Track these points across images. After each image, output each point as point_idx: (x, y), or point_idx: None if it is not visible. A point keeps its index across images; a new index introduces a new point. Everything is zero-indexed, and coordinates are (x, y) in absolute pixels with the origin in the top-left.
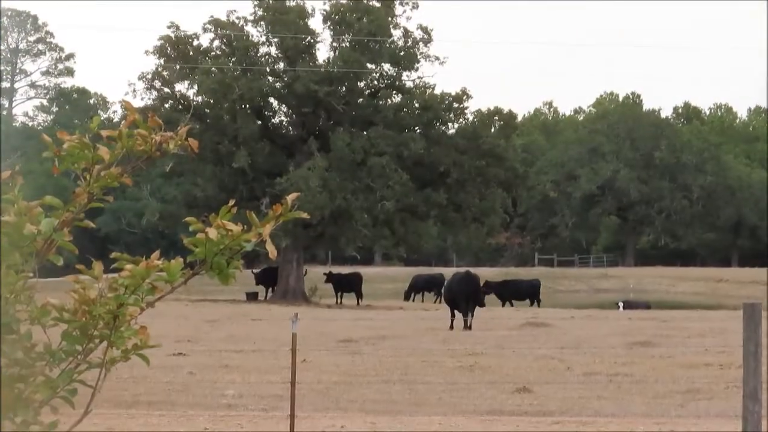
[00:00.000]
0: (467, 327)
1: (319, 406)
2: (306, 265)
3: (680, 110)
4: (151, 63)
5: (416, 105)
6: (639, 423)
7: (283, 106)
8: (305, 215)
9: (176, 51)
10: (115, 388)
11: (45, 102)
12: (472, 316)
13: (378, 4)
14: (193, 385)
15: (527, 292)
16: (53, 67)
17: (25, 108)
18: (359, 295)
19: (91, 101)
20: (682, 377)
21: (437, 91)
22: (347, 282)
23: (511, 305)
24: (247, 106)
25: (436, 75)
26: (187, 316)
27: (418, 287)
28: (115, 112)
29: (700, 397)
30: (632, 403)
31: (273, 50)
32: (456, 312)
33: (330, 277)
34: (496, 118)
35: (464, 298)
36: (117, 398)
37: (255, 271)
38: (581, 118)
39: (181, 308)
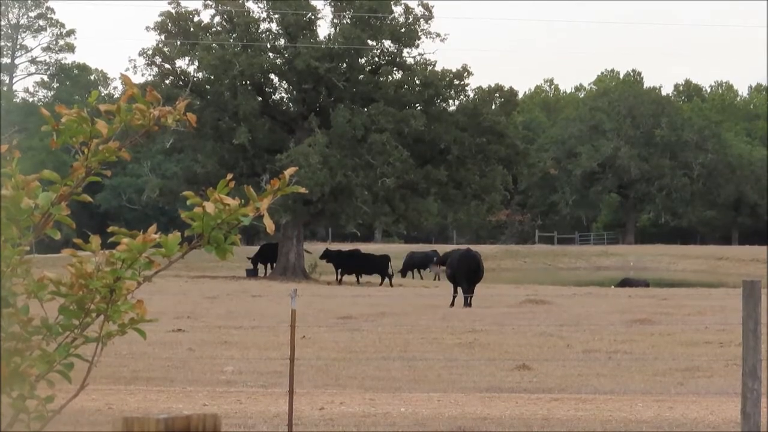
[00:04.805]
0: (467, 304)
1: (319, 382)
2: (306, 241)
3: (681, 88)
4: (152, 39)
5: (417, 82)
6: (638, 400)
7: (284, 82)
8: (303, 190)
9: (177, 27)
10: (113, 364)
11: (45, 78)
12: (472, 293)
13: None
14: (192, 361)
15: (375, 267)
16: (54, 42)
17: (26, 84)
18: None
19: (92, 77)
20: (682, 355)
21: (438, 68)
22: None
23: (357, 280)
24: (248, 82)
25: (437, 52)
26: (186, 292)
27: (412, 265)
28: (115, 88)
29: (699, 374)
30: (631, 380)
31: (274, 26)
32: (458, 289)
33: (326, 255)
34: (497, 95)
35: (465, 275)
36: (116, 374)
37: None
38: (582, 95)
39: (180, 284)
